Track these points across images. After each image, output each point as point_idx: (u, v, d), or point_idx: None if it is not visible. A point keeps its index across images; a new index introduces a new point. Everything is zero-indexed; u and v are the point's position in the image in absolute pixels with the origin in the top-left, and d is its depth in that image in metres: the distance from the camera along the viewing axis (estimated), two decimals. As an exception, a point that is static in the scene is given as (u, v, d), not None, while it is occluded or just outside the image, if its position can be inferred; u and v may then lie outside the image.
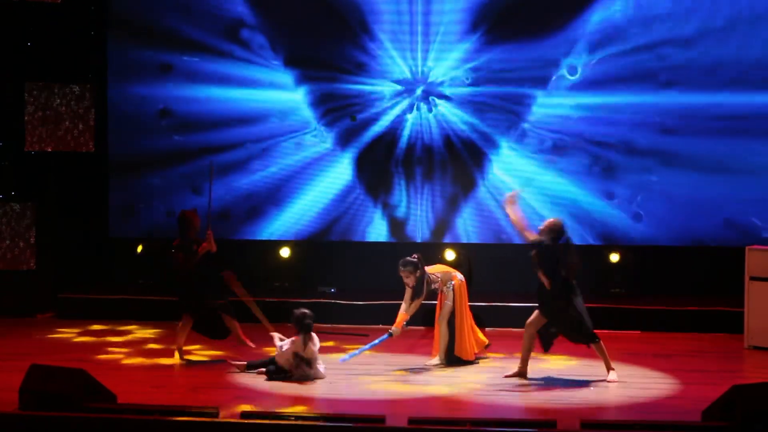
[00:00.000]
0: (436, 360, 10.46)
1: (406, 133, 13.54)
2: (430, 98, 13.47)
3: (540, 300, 9.83)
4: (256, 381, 9.76)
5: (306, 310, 9.76)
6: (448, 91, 13.43)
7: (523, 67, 13.26)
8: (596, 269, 13.39)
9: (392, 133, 13.55)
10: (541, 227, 9.83)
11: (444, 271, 10.61)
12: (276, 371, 9.72)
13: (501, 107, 13.33)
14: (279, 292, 13.27)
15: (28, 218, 13.32)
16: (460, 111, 13.43)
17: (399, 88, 13.52)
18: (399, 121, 13.54)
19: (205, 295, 10.37)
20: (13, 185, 13.45)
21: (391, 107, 13.55)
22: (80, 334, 12.04)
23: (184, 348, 10.61)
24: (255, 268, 13.28)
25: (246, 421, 7.65)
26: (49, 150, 13.46)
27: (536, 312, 9.87)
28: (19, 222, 13.31)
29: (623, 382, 9.72)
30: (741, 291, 11.50)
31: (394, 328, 10.36)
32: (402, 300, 10.48)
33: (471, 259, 13.04)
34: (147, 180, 13.78)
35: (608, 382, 9.70)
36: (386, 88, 13.53)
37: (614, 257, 13.34)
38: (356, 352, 10.23)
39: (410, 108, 13.53)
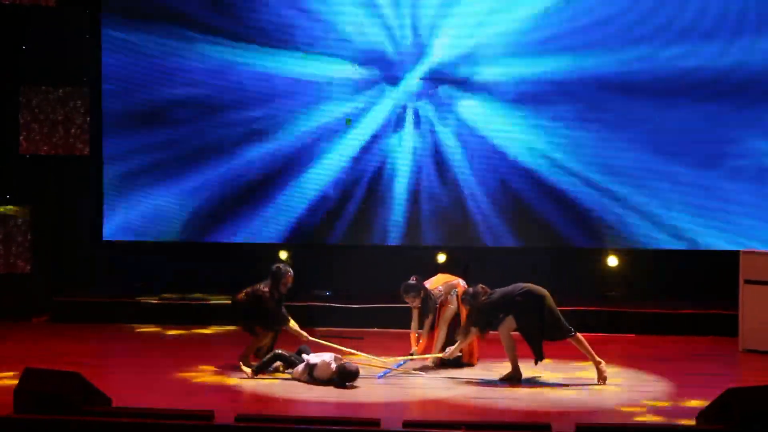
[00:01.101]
0: (430, 362, 10.47)
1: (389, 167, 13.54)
2: (436, 91, 13.37)
3: (514, 305, 9.93)
4: (251, 384, 9.77)
5: (356, 372, 9.75)
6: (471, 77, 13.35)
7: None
8: (592, 273, 13.41)
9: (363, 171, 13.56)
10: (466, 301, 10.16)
11: (446, 282, 10.65)
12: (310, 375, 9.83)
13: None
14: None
15: (24, 221, 13.32)
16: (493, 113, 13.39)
17: (373, 73, 13.45)
18: (374, 153, 13.59)
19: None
20: (7, 188, 13.44)
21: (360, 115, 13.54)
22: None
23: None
24: (252, 270, 13.28)
25: (241, 425, 7.65)
26: (44, 153, 13.46)
27: (509, 316, 9.94)
28: (14, 225, 13.31)
29: (618, 385, 9.74)
30: (735, 294, 11.50)
31: (414, 350, 10.49)
32: (408, 323, 10.65)
33: (467, 261, 13.03)
34: (142, 182, 13.74)
35: (601, 383, 9.73)
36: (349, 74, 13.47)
37: (611, 261, 13.33)
38: (388, 370, 10.24)
39: (396, 118, 13.49)
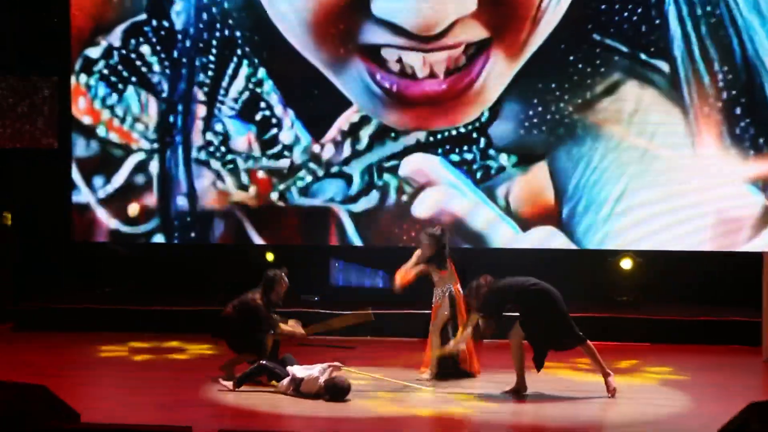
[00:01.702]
0: (426, 374, 10.42)
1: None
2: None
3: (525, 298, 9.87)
4: (233, 398, 9.72)
5: (347, 388, 9.69)
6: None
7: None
8: (602, 276, 13.40)
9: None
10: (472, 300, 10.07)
11: (452, 272, 10.62)
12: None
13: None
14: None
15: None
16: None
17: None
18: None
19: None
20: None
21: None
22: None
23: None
24: (240, 274, 13.27)
25: (222, 441, 7.62)
26: (8, 147, 13.45)
27: (517, 322, 9.87)
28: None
29: (630, 398, 9.70)
30: (759, 299, 11.48)
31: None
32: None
33: (463, 264, 12.98)
34: (113, 179, 13.65)
35: (611, 396, 9.68)
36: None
37: (625, 264, 13.30)
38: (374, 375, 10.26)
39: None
